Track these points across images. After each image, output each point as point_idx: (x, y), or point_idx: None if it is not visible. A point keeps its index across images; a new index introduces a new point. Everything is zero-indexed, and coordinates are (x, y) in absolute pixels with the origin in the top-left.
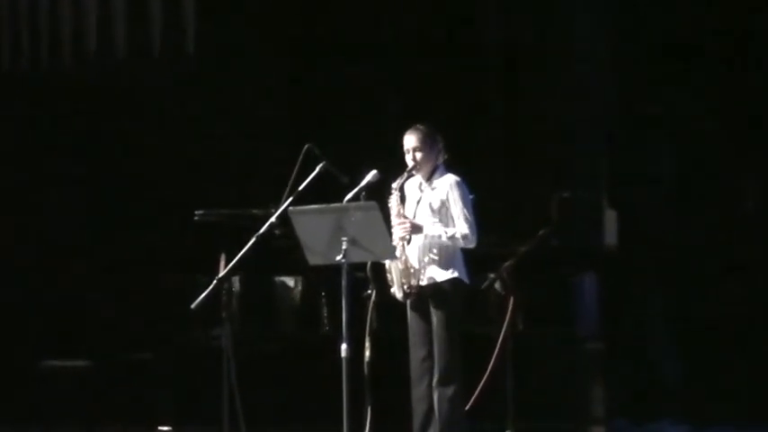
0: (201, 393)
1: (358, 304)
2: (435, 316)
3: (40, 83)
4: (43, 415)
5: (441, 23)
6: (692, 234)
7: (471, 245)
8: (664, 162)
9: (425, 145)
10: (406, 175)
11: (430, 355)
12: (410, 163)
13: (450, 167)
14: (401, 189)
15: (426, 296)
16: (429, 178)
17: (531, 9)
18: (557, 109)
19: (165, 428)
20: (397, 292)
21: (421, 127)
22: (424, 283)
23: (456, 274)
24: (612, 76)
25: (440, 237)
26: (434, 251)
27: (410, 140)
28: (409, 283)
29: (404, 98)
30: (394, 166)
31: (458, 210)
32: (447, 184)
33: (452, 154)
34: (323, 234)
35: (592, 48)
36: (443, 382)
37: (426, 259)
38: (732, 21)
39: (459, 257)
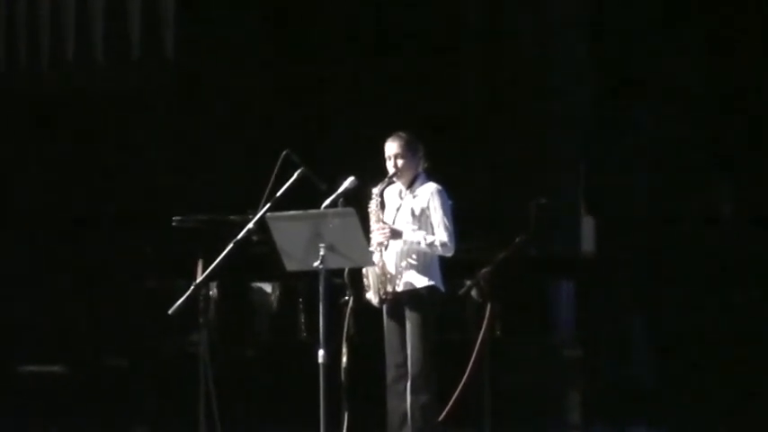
0: (179, 399)
1: (335, 310)
2: (410, 322)
3: (19, 87)
4: (21, 420)
5: (424, 31)
6: (667, 241)
7: (449, 253)
8: (640, 169)
9: (407, 152)
10: (386, 181)
11: (405, 361)
12: (391, 170)
13: (430, 175)
14: (381, 196)
15: (402, 302)
16: (410, 186)
17: (512, 25)
18: (534, 116)
19: None
20: (372, 297)
21: (403, 134)
22: (400, 288)
23: (432, 282)
24: (589, 83)
25: (419, 243)
26: (412, 257)
27: (391, 147)
28: (385, 288)
29: (383, 104)
30: (374, 172)
31: (438, 218)
32: (428, 192)
33: (431, 161)
34: (300, 240)
35: (568, 55)
36: (416, 390)
37: (404, 264)
38: (709, 26)
39: (436, 265)
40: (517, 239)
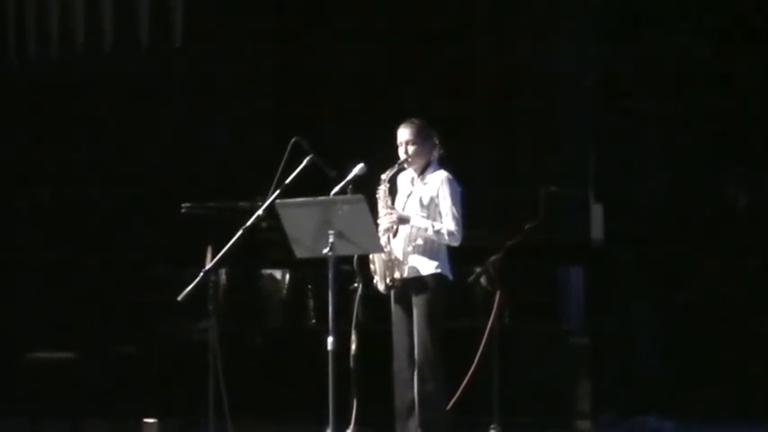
0: (187, 386)
1: (344, 297)
2: (417, 310)
3: (28, 75)
4: (30, 407)
5: (434, 24)
6: (677, 228)
7: (455, 243)
8: (650, 157)
9: (419, 139)
10: (396, 167)
11: (413, 349)
12: (402, 156)
13: (443, 163)
14: (392, 181)
15: (409, 289)
16: (422, 173)
17: (520, 20)
18: (544, 105)
19: (151, 421)
20: (379, 283)
21: (416, 121)
22: (406, 275)
23: (439, 270)
24: (600, 73)
25: (426, 230)
26: (419, 242)
27: (403, 133)
28: (392, 276)
29: (391, 92)
30: (383, 159)
31: (446, 207)
32: (438, 180)
33: (445, 149)
34: (310, 227)
35: (575, 44)
36: (423, 378)
37: (410, 249)
38: (723, 24)
39: (444, 252)
40: (527, 227)
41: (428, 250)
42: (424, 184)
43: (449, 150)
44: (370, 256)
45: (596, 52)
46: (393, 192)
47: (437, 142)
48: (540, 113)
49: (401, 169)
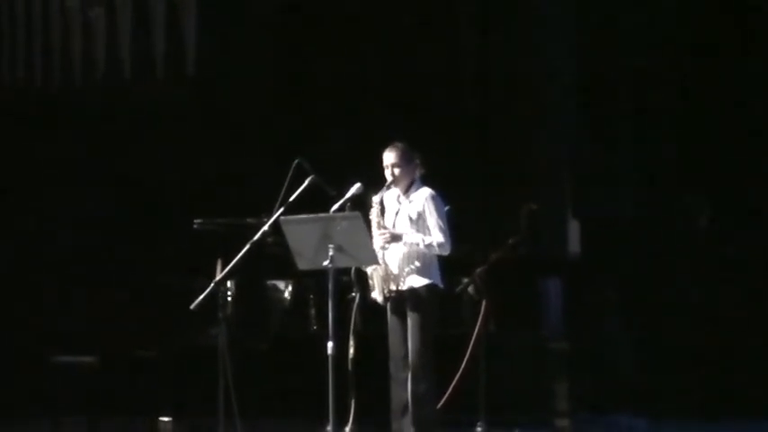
0: (199, 387)
1: (343, 306)
2: (411, 318)
3: (52, 100)
4: (53, 406)
5: (421, 45)
6: (648, 242)
7: (446, 252)
8: (625, 177)
9: (403, 161)
10: (384, 189)
11: (407, 354)
12: (389, 177)
13: (426, 181)
14: (381, 202)
15: (404, 300)
16: (406, 191)
17: (503, 35)
18: (525, 127)
19: (166, 419)
20: (377, 296)
21: (399, 145)
22: (402, 288)
23: (432, 281)
24: (577, 94)
25: (418, 244)
26: (414, 259)
27: (389, 157)
28: (389, 288)
29: (382, 115)
30: (378, 177)
31: (433, 221)
32: (423, 198)
33: (430, 169)
34: (311, 241)
35: (557, 66)
36: (416, 380)
37: (406, 270)
38: (693, 44)
39: (435, 265)
40: (510, 241)
41: (421, 265)
42: (410, 201)
43: (438, 171)
44: (368, 272)
45: (575, 76)
46: (382, 211)
47: (419, 162)
48: (521, 136)
49: (388, 190)
